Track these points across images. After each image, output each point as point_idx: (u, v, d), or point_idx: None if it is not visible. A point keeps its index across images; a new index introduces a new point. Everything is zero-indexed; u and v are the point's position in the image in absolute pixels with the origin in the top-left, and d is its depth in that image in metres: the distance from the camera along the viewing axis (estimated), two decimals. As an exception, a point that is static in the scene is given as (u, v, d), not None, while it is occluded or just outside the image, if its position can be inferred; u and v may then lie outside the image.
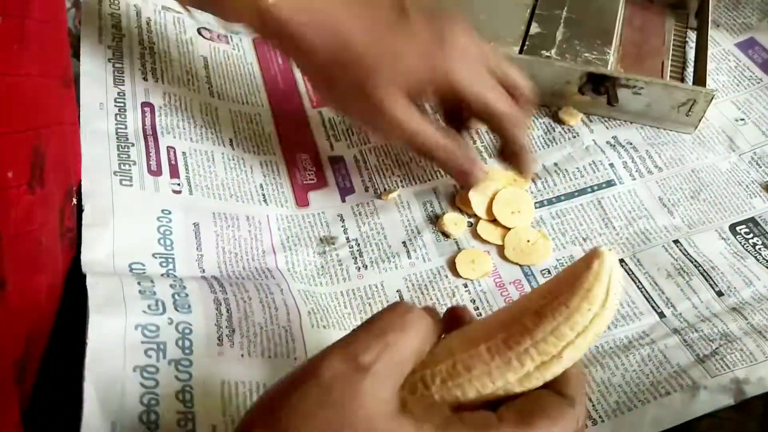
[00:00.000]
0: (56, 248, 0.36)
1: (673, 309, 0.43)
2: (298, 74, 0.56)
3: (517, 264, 0.46)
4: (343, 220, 0.48)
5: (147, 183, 0.43)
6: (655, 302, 0.44)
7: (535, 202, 0.49)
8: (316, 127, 0.53)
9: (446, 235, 0.47)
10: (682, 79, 0.55)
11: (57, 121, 0.36)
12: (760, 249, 0.46)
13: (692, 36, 0.58)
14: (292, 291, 0.42)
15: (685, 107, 0.51)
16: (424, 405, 0.27)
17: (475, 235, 0.47)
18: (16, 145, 0.30)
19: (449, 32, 0.42)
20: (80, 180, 0.41)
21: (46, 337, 0.35)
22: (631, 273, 0.45)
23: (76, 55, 0.47)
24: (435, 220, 0.48)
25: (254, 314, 0.38)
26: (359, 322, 0.42)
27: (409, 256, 0.46)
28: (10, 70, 0.29)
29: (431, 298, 0.44)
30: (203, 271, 0.41)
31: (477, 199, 0.48)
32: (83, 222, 0.39)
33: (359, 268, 0.45)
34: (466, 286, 0.45)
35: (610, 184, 0.50)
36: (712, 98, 0.50)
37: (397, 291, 0.45)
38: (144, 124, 0.46)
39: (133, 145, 0.44)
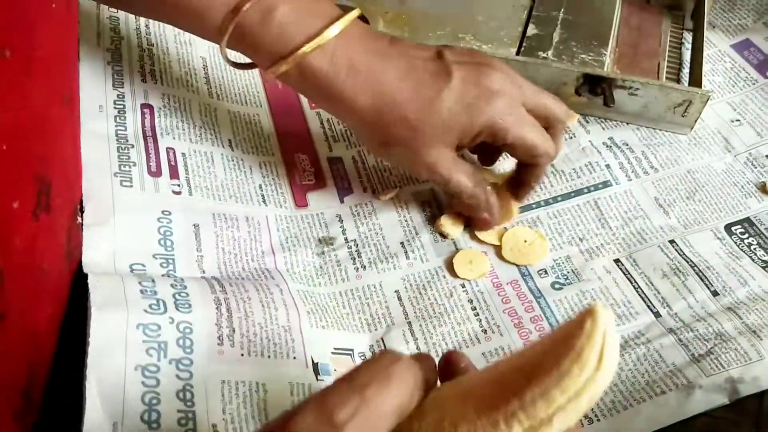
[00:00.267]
0: (60, 270, 0.36)
1: (668, 309, 0.44)
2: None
3: (514, 264, 0.46)
4: (341, 221, 0.48)
5: (147, 184, 0.43)
6: (650, 302, 0.44)
7: (532, 203, 0.49)
8: (314, 128, 0.53)
9: (444, 235, 0.48)
10: (678, 80, 0.55)
11: (61, 145, 0.36)
12: (755, 249, 0.46)
13: (688, 37, 0.58)
14: (291, 291, 0.42)
15: (680, 108, 0.52)
16: None
17: (473, 236, 0.48)
18: (22, 175, 0.30)
19: (486, 77, 0.43)
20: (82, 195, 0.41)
21: (48, 362, 0.34)
22: (627, 273, 0.46)
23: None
24: (433, 220, 0.48)
25: (254, 314, 0.39)
26: (358, 323, 0.43)
27: (407, 257, 0.47)
28: (17, 103, 0.29)
29: (429, 299, 0.44)
30: (203, 271, 0.41)
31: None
32: (84, 222, 0.39)
33: (358, 269, 0.46)
34: (463, 286, 0.45)
35: (606, 184, 0.50)
36: (708, 99, 0.51)
37: (396, 291, 0.45)
38: (143, 126, 0.46)
39: (132, 146, 0.45)
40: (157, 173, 0.44)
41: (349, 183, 0.50)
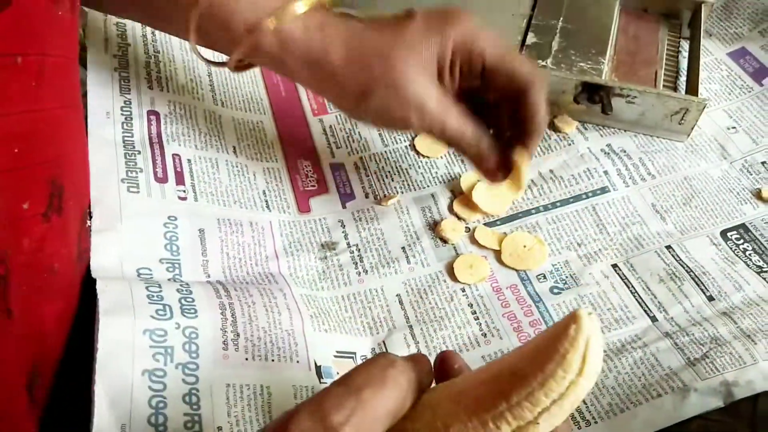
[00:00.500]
0: (71, 271, 0.36)
1: (665, 313, 0.44)
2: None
3: (513, 269, 0.47)
4: (343, 226, 0.49)
5: (153, 190, 0.44)
6: (647, 306, 0.45)
7: (531, 208, 0.50)
8: (317, 134, 0.54)
9: (444, 240, 0.48)
10: (675, 88, 0.56)
11: (72, 149, 0.37)
12: (750, 254, 0.47)
13: (685, 45, 0.59)
14: (294, 295, 0.43)
15: (677, 116, 0.52)
16: None
17: (473, 241, 0.48)
18: (34, 177, 0.31)
19: (456, 11, 0.42)
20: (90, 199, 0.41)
21: (54, 360, 0.35)
22: (624, 278, 0.46)
23: (83, 64, 0.48)
24: (433, 225, 0.49)
25: (258, 318, 0.39)
26: (360, 326, 0.44)
27: (408, 261, 0.47)
28: (29, 106, 0.30)
29: (430, 303, 0.45)
30: (208, 276, 0.42)
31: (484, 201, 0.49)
32: (92, 228, 0.40)
33: (360, 273, 0.47)
34: (464, 290, 0.46)
35: (604, 190, 0.51)
36: (705, 107, 0.51)
37: (397, 295, 0.46)
38: (150, 132, 0.47)
39: (139, 152, 0.45)
40: (163, 179, 0.45)
41: (351, 189, 0.51)
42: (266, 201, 0.49)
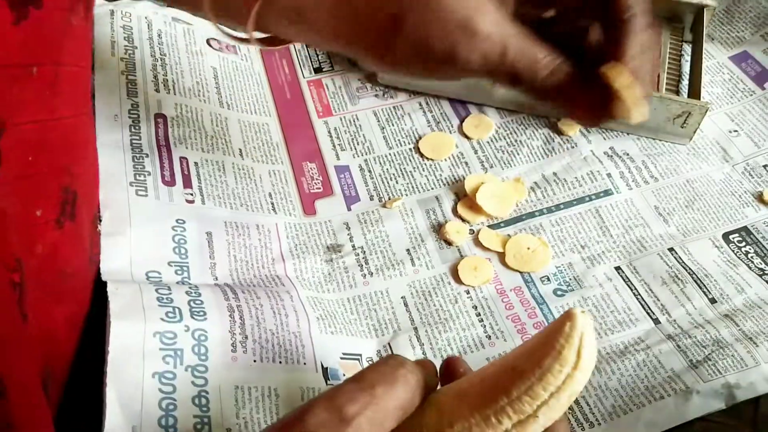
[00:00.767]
0: (83, 275, 0.37)
1: (667, 315, 0.45)
2: (304, 84, 0.58)
3: (517, 271, 0.47)
4: (349, 228, 0.49)
5: (162, 193, 0.44)
6: (650, 309, 0.45)
7: (535, 210, 0.51)
8: (322, 136, 0.55)
9: (449, 242, 0.49)
10: (678, 92, 0.56)
11: (84, 155, 0.37)
12: (752, 257, 0.48)
13: (687, 49, 0.59)
14: (301, 298, 0.43)
15: (680, 119, 0.53)
16: None
17: (477, 243, 0.49)
18: (47, 184, 0.31)
19: None
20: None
21: (67, 360, 0.36)
22: (627, 280, 0.47)
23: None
24: (438, 228, 0.50)
25: (266, 321, 0.40)
26: (365, 328, 0.44)
27: (413, 264, 0.48)
28: (45, 116, 0.30)
29: (434, 305, 0.46)
30: (216, 278, 0.43)
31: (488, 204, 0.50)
32: (102, 231, 0.40)
33: (365, 275, 0.47)
34: (468, 292, 0.46)
35: (607, 193, 0.51)
36: (707, 110, 0.52)
37: (402, 297, 0.46)
38: (157, 135, 0.47)
39: (147, 155, 0.46)
40: (171, 182, 0.45)
41: (356, 191, 0.52)
42: (272, 203, 0.49)
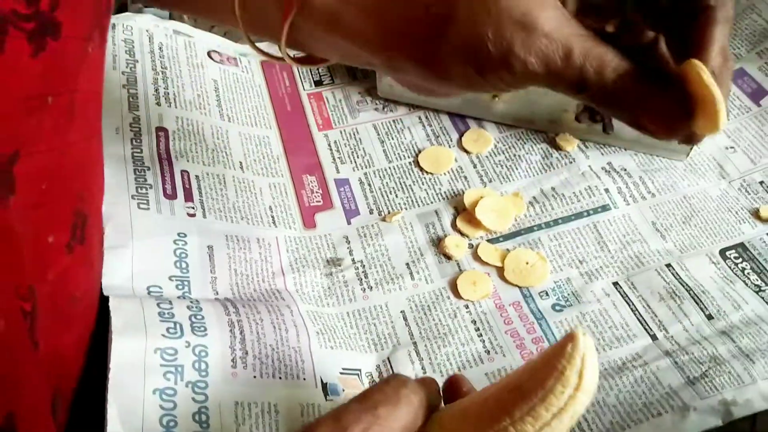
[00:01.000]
0: (91, 297, 0.37)
1: (665, 332, 0.45)
2: (305, 96, 0.58)
3: (516, 286, 0.48)
4: (348, 242, 0.50)
5: (163, 207, 0.44)
6: (648, 325, 0.46)
7: (533, 225, 0.51)
8: (322, 149, 0.55)
9: (448, 256, 0.49)
10: (675, 107, 0.57)
11: (94, 178, 0.37)
12: (748, 273, 0.48)
13: (685, 65, 0.60)
14: (300, 312, 0.44)
15: (677, 135, 0.53)
16: None
17: (476, 257, 0.49)
18: (60, 210, 0.31)
19: None
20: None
21: (73, 383, 0.36)
22: (625, 296, 0.47)
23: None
24: (437, 242, 0.50)
25: (266, 336, 0.40)
26: (364, 343, 0.44)
27: (412, 278, 0.48)
28: (59, 144, 0.30)
29: (434, 319, 0.46)
30: (216, 293, 0.43)
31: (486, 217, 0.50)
32: (105, 245, 0.40)
33: (364, 289, 0.47)
34: (467, 307, 0.47)
35: (605, 208, 0.52)
36: (704, 127, 0.52)
37: (401, 312, 0.46)
38: (159, 149, 0.47)
39: (149, 168, 0.46)
40: (172, 196, 0.46)
41: (356, 204, 0.52)
42: (272, 216, 0.49)
